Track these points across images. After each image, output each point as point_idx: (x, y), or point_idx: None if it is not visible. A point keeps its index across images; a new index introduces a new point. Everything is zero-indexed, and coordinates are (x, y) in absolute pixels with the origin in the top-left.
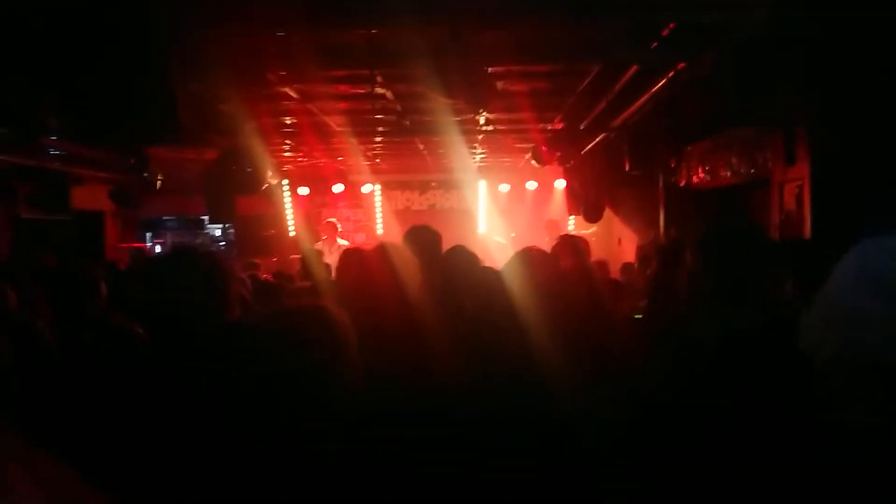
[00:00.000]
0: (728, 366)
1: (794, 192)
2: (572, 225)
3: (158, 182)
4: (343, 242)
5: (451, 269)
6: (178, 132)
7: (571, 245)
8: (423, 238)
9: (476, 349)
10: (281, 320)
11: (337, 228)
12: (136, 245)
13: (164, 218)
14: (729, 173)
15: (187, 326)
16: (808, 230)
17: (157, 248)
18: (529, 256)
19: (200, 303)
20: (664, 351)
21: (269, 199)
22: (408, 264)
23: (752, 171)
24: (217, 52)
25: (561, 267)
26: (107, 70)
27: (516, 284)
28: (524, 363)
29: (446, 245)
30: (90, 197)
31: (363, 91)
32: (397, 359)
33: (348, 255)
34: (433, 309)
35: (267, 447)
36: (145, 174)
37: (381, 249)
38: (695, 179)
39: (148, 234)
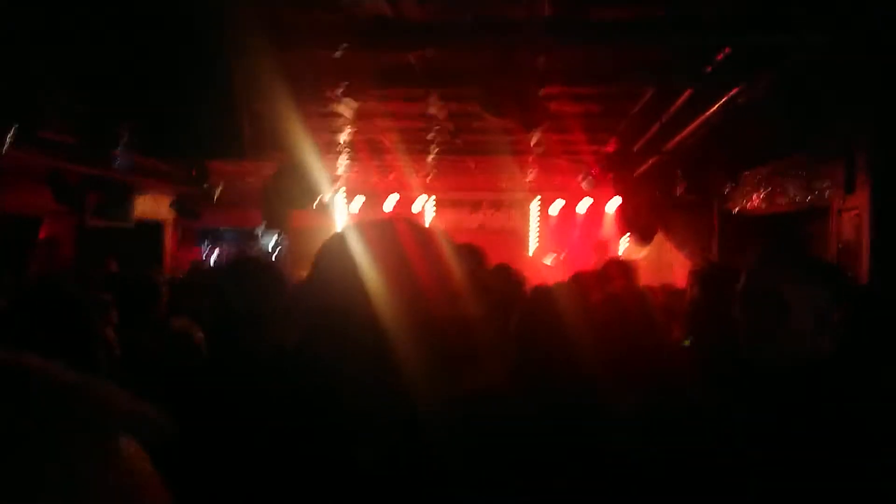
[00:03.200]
0: (788, 397)
1: (852, 222)
2: (624, 248)
3: (217, 194)
4: None
5: (495, 286)
6: (241, 149)
7: (622, 268)
8: (466, 258)
9: (524, 364)
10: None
11: None
12: (195, 253)
13: (221, 229)
14: (785, 200)
15: (251, 335)
16: (865, 261)
17: (213, 258)
18: (581, 279)
19: (264, 312)
20: (713, 378)
21: (323, 212)
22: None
23: (810, 198)
24: (278, 72)
25: (611, 289)
26: (176, 89)
27: (566, 304)
28: (573, 380)
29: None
30: (152, 206)
31: (417, 110)
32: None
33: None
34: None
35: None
36: (205, 186)
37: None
38: (750, 206)
39: (205, 243)
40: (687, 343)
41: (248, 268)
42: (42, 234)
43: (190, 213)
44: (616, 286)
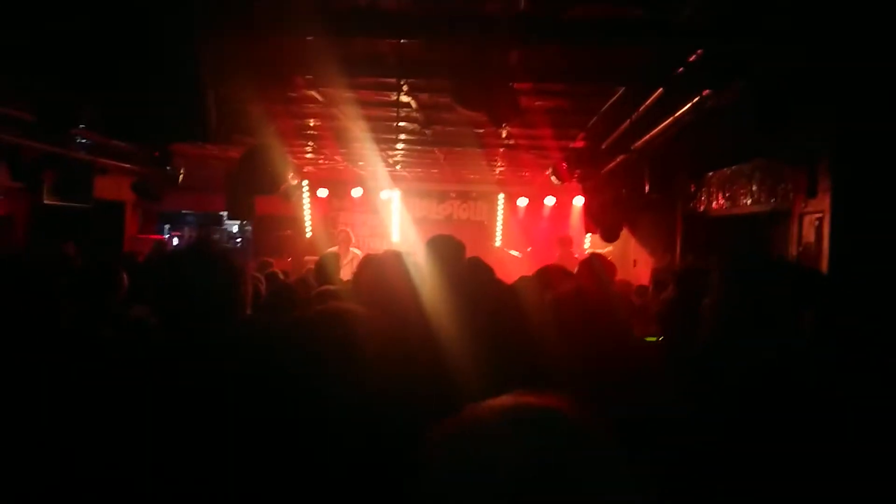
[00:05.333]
0: (752, 397)
1: (813, 225)
2: (588, 244)
3: (180, 177)
4: (356, 251)
5: (468, 280)
6: (206, 133)
7: (596, 265)
8: (445, 248)
9: (492, 358)
10: (309, 324)
11: (351, 238)
12: (156, 237)
13: (184, 212)
14: (749, 202)
15: (202, 323)
16: (825, 264)
17: (175, 241)
18: (548, 274)
19: (216, 300)
20: (682, 377)
21: (288, 200)
22: (424, 272)
23: (773, 200)
24: (246, 56)
25: (580, 285)
26: (140, 70)
27: (530, 298)
28: (537, 374)
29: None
30: (113, 187)
31: (388, 99)
32: (415, 365)
33: (367, 263)
34: (451, 317)
35: (280, 447)
36: (168, 168)
37: (398, 257)
38: (714, 206)
39: (166, 227)
40: (651, 340)
41: (204, 255)
42: None
43: (151, 196)
44: (582, 282)
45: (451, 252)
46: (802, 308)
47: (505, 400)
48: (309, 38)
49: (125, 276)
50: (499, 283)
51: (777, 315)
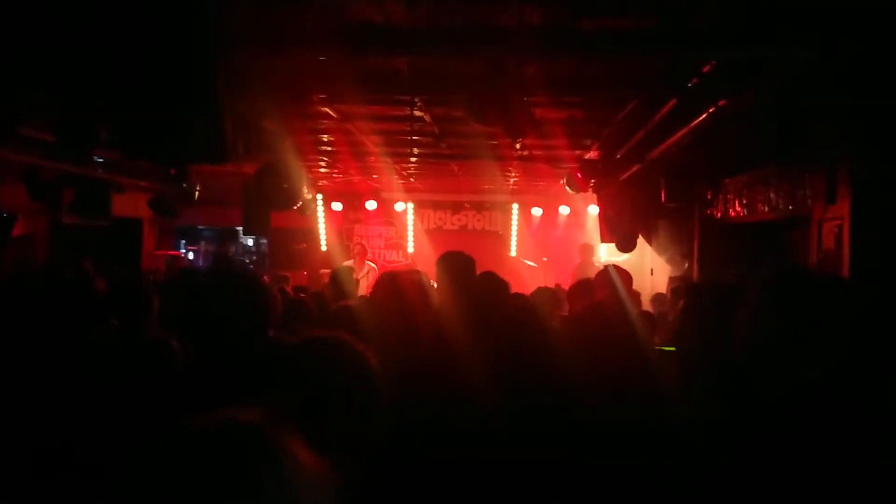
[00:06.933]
0: (787, 421)
1: (833, 232)
2: (603, 252)
3: (196, 193)
4: (371, 265)
5: (482, 295)
6: (224, 155)
7: (614, 276)
8: (456, 264)
9: (509, 374)
10: (309, 351)
11: (366, 252)
12: (171, 253)
13: (200, 227)
14: (767, 209)
15: (233, 346)
16: (846, 271)
17: (191, 255)
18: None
19: (247, 323)
20: (705, 390)
21: (303, 213)
22: (440, 291)
23: (791, 207)
24: (263, 74)
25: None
26: (158, 92)
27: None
28: (556, 386)
29: (478, 269)
30: (130, 204)
31: (402, 113)
32: (431, 382)
33: (383, 281)
34: (466, 334)
35: None
36: (184, 185)
37: (414, 275)
38: (731, 213)
39: (182, 242)
40: (668, 349)
41: (228, 277)
42: (17, 232)
43: (168, 212)
44: (603, 295)
45: (462, 268)
46: (846, 325)
47: (211, 415)
48: (322, 57)
49: (156, 298)
50: (514, 297)
51: (821, 333)
